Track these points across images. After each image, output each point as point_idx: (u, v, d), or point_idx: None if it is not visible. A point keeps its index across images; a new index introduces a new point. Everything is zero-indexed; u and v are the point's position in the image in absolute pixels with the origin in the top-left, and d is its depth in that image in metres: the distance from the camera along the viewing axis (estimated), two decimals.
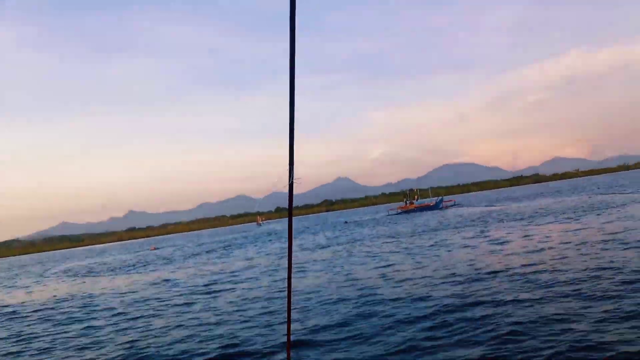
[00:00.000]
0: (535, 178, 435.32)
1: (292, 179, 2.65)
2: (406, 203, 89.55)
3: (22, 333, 15.28)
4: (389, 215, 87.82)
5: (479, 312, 10.49)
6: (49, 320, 17.25)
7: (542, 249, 18.26)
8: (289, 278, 3.10)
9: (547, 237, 22.17)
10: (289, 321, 3.33)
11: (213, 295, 18.07)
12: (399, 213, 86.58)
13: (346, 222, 79.05)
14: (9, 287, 37.00)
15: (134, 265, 42.95)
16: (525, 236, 23.65)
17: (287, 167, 2.64)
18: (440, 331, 9.51)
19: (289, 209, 2.83)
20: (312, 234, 54.33)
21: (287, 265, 2.99)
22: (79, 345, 12.45)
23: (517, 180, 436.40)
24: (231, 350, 10.06)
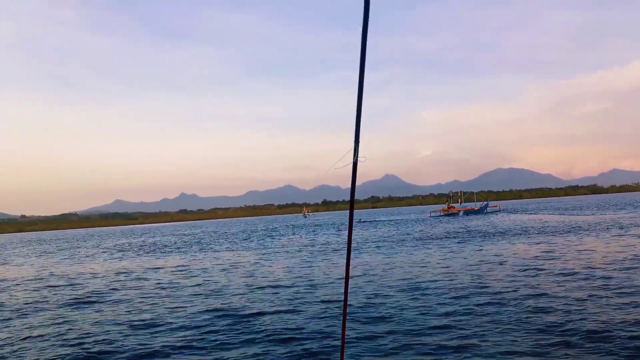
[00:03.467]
0: (592, 189, 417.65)
1: (357, 157, 2.32)
2: (448, 206, 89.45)
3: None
4: (430, 217, 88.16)
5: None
6: None
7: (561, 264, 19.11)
8: (347, 267, 2.67)
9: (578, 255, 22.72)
10: (344, 320, 3.00)
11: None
12: (441, 215, 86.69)
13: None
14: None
15: None
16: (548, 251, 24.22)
17: (353, 147, 2.28)
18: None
19: (351, 191, 2.42)
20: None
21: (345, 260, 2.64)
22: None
23: (573, 189, 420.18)
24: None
